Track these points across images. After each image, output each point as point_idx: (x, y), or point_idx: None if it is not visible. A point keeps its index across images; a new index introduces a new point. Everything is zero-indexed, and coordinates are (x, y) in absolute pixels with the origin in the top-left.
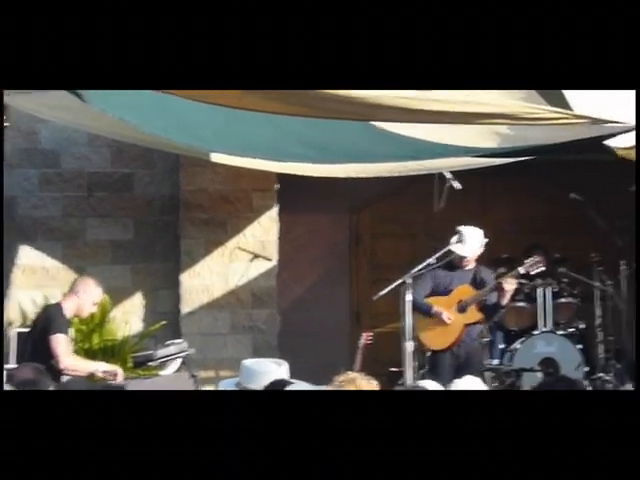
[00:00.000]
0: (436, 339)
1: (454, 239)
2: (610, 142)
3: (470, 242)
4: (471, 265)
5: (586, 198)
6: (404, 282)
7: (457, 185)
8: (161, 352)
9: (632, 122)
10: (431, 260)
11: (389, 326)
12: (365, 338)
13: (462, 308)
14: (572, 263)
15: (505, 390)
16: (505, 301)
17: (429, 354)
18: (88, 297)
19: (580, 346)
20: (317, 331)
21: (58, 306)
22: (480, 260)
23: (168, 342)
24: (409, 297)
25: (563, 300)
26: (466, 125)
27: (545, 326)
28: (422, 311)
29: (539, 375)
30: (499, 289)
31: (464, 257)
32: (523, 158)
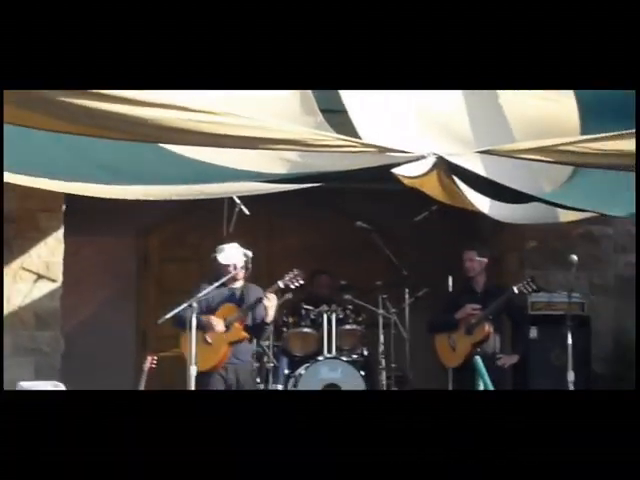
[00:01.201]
0: (201, 360)
1: (215, 252)
2: (397, 171)
3: (229, 253)
4: (239, 284)
5: (372, 226)
6: (190, 305)
7: (245, 210)
8: None
9: (418, 152)
10: (217, 284)
11: (175, 350)
12: (150, 362)
13: (226, 327)
14: (357, 290)
15: (513, 390)
16: (269, 318)
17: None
18: None
19: (363, 372)
20: (102, 354)
21: None
22: (250, 280)
23: None
24: (194, 321)
25: (348, 327)
26: (254, 150)
27: (329, 352)
28: (186, 326)
29: None
30: (262, 306)
31: (226, 267)
32: (310, 185)
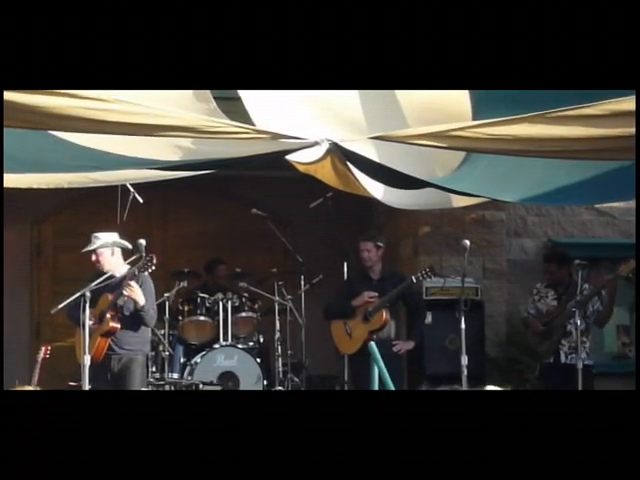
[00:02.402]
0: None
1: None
2: (292, 157)
3: (98, 241)
4: (120, 272)
5: (268, 214)
6: (83, 295)
7: (139, 198)
8: None
9: (312, 138)
10: (102, 279)
11: (69, 340)
12: (44, 352)
13: (100, 318)
14: (253, 278)
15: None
16: (138, 305)
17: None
18: None
19: (259, 360)
20: None
21: None
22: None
23: None
24: (87, 310)
25: (243, 314)
26: (146, 137)
27: (225, 340)
28: (74, 322)
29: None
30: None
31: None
32: (204, 172)
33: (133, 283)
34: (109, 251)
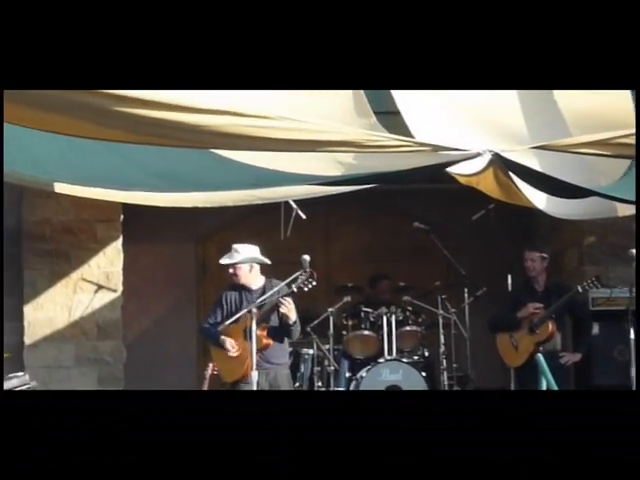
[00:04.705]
0: (230, 371)
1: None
2: (453, 169)
3: (238, 255)
4: (256, 285)
5: (430, 227)
6: (250, 311)
7: (302, 214)
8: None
9: (474, 149)
10: (269, 294)
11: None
12: (212, 368)
13: (245, 333)
14: (416, 291)
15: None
16: (291, 320)
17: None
18: None
19: (424, 373)
20: (164, 361)
21: None
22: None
23: (11, 375)
24: (254, 327)
25: (407, 328)
26: (309, 153)
27: (390, 354)
28: (212, 341)
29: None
30: (277, 311)
31: (227, 269)
32: (365, 186)
33: (290, 299)
34: (247, 267)
